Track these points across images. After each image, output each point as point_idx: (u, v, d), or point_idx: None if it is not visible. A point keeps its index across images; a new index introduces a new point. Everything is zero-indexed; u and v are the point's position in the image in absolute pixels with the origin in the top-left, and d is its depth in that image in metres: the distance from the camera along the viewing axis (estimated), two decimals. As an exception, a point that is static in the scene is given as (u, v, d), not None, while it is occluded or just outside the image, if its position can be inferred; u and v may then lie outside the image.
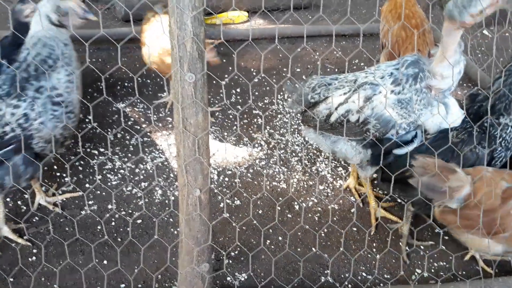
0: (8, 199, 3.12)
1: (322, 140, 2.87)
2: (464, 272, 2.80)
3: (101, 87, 4.23)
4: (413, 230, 2.85)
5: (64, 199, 3.12)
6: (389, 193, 2.60)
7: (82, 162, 3.47)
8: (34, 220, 2.99)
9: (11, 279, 2.61)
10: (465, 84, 4.50)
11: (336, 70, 4.74)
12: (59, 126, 2.61)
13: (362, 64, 4.83)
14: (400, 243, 2.90)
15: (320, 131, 2.83)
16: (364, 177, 2.98)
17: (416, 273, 2.78)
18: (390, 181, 2.45)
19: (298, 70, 4.72)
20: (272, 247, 2.90)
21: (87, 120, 3.92)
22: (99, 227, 2.96)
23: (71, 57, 2.54)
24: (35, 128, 2.55)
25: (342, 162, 3.56)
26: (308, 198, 3.26)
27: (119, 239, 2.89)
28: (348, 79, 2.77)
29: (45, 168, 3.40)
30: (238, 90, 4.37)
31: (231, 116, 4.04)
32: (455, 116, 2.58)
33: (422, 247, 2.94)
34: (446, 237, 2.98)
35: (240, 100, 4.25)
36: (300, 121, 2.91)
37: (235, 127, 3.94)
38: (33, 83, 2.55)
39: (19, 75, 2.52)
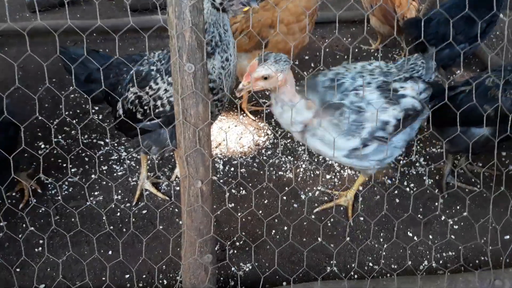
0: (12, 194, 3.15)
1: None
2: (472, 263, 2.75)
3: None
4: (454, 170, 3.11)
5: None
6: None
7: (88, 153, 3.47)
8: (40, 211, 3.01)
9: (17, 270, 2.63)
10: (478, 70, 4.40)
11: (345, 57, 4.67)
12: None
13: (372, 50, 4.75)
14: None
15: None
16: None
17: (423, 264, 2.74)
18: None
19: (307, 57, 4.65)
20: (278, 237, 2.87)
21: (93, 111, 3.92)
22: (104, 218, 2.96)
23: (229, 44, 2.43)
24: None
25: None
26: (314, 188, 3.22)
27: (124, 230, 2.89)
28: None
29: (51, 158, 3.42)
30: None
31: (236, 106, 4.01)
32: None
33: (466, 190, 3.12)
34: (456, 227, 2.93)
35: (247, 89, 4.20)
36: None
37: (241, 116, 3.90)
38: None
39: None
